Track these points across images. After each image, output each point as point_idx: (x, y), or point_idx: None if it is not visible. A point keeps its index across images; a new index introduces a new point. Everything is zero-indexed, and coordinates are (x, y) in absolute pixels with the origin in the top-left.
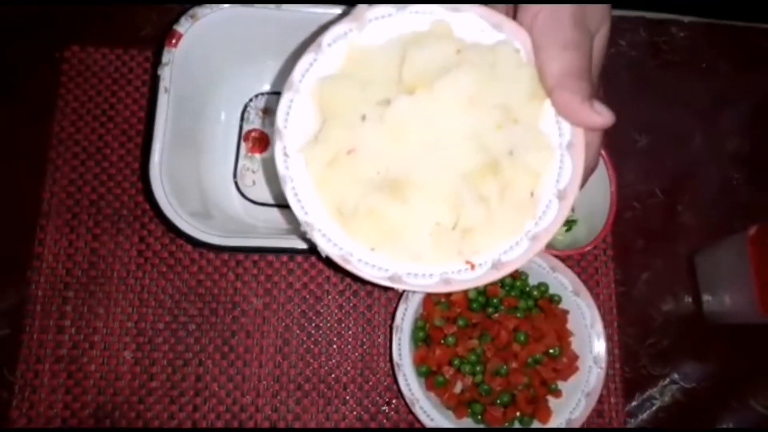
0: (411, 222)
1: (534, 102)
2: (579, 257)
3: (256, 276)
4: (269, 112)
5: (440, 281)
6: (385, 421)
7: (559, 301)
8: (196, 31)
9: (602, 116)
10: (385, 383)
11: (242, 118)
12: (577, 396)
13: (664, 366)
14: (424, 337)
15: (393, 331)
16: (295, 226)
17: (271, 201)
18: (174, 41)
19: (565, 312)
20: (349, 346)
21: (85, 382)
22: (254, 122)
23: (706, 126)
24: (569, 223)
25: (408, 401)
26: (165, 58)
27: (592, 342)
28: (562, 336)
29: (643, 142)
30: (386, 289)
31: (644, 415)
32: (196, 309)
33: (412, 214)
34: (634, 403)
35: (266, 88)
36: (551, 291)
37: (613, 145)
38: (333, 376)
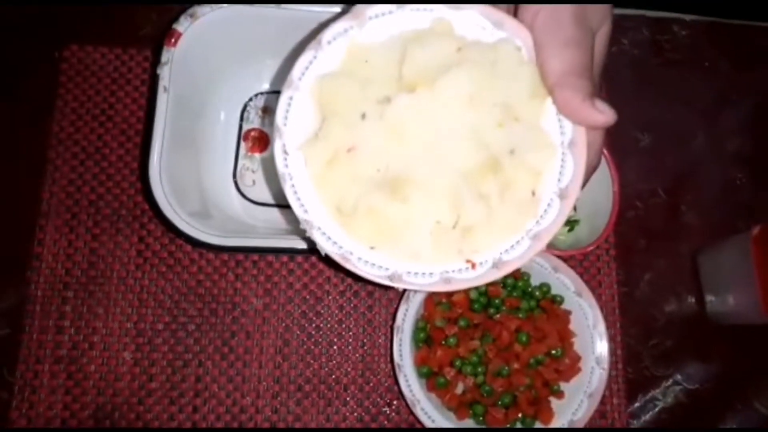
0: (411, 220)
1: (535, 100)
2: (581, 257)
3: (255, 276)
4: (269, 111)
5: (440, 280)
6: (386, 422)
7: (561, 301)
8: (195, 30)
9: (604, 114)
10: (386, 384)
11: (242, 118)
12: (579, 397)
13: (667, 367)
14: (426, 337)
15: (394, 331)
16: (295, 226)
17: (270, 201)
18: (173, 40)
19: (568, 312)
20: (350, 347)
21: (84, 383)
22: (254, 122)
23: (708, 125)
24: (571, 223)
25: (409, 402)
26: (164, 58)
27: (594, 343)
28: (564, 337)
29: (646, 141)
30: (387, 288)
31: (647, 417)
32: (195, 309)
33: (413, 212)
34: (636, 405)
35: (266, 87)
36: (553, 291)
37: (616, 144)
38: (333, 377)
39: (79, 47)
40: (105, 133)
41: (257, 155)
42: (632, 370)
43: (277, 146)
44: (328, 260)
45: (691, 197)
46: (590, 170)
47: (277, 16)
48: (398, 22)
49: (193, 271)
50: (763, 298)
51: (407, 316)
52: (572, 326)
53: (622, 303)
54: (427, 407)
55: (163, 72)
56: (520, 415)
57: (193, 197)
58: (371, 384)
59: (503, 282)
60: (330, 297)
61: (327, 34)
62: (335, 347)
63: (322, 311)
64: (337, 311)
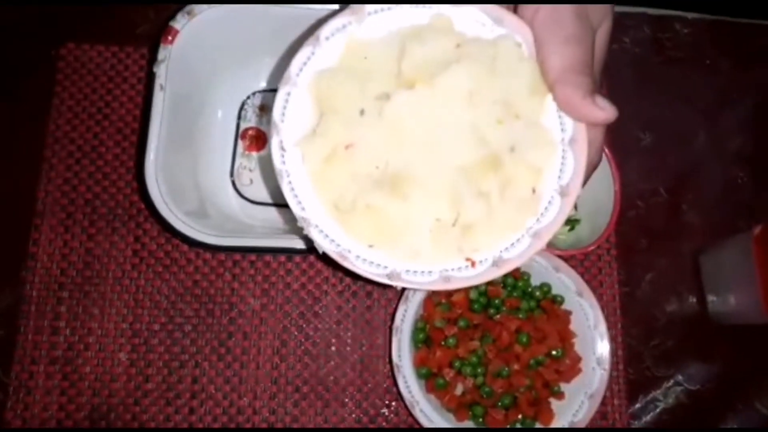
0: (410, 218)
1: (536, 97)
2: (582, 257)
3: (253, 276)
4: (266, 109)
5: (440, 279)
6: (384, 423)
7: (562, 301)
8: (192, 27)
9: (605, 111)
10: (385, 385)
11: (239, 116)
12: (579, 398)
13: (668, 367)
14: (425, 338)
15: (393, 332)
16: (293, 225)
17: (268, 200)
18: (170, 38)
19: (568, 313)
20: (348, 348)
21: (80, 384)
22: (251, 120)
23: (709, 124)
24: (572, 223)
25: (408, 403)
26: (161, 55)
27: (595, 343)
28: (565, 337)
29: (647, 140)
30: (385, 287)
31: (648, 417)
32: (192, 310)
33: (412, 210)
34: (637, 405)
35: (263, 85)
36: (554, 291)
37: (617, 143)
38: (332, 378)
39: (75, 45)
40: (101, 132)
41: (254, 154)
42: (633, 370)
43: (274, 142)
44: (326, 259)
45: (692, 196)
46: (591, 168)
47: (275, 14)
48: (397, 18)
49: (189, 271)
50: (765, 297)
51: (406, 317)
52: (573, 326)
53: (623, 303)
54: (426, 408)
55: (160, 70)
56: (520, 416)
57: (189, 196)
58: (370, 385)
59: (503, 282)
60: (328, 297)
61: (325, 30)
62: (333, 348)
63: (320, 312)
64: (335, 312)
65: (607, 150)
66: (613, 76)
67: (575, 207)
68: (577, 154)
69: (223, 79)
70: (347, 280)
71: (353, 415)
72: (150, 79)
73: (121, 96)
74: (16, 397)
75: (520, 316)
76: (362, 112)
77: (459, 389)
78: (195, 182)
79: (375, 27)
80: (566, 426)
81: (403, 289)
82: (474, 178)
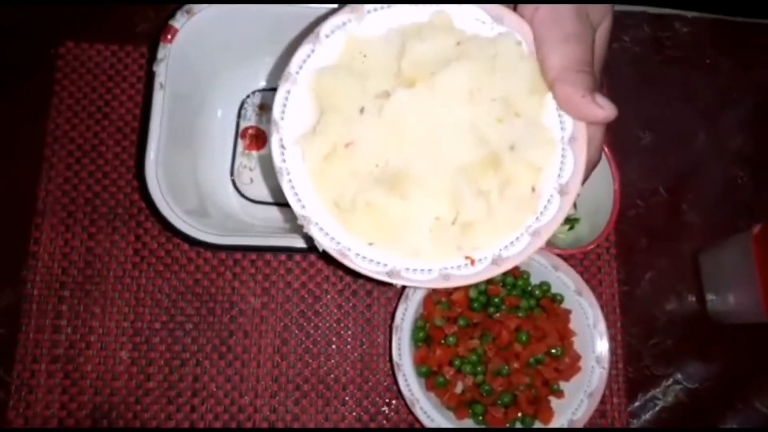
0: (410, 217)
1: (535, 95)
2: (582, 256)
3: (253, 275)
4: (266, 108)
5: (439, 277)
6: (384, 421)
7: (562, 300)
8: (191, 26)
9: (604, 110)
10: (385, 384)
11: (239, 115)
12: (579, 396)
13: (668, 366)
14: (425, 337)
15: (393, 331)
16: (294, 224)
17: (268, 199)
18: (169, 37)
19: (568, 311)
20: (349, 346)
21: (81, 382)
22: (251, 119)
23: (709, 123)
24: (572, 222)
25: (408, 402)
26: (160, 54)
27: (594, 342)
28: (565, 336)
29: (647, 139)
30: (385, 285)
31: (647, 416)
32: (193, 308)
33: (411, 208)
34: (636, 404)
35: (263, 84)
36: (553, 290)
37: (617, 142)
38: (332, 376)
39: (75, 44)
40: (101, 131)
41: (254, 153)
42: (632, 369)
43: (274, 140)
44: (326, 256)
45: (692, 196)
46: (590, 166)
47: (274, 12)
48: (397, 16)
49: (190, 270)
50: (764, 297)
51: (406, 315)
52: (572, 325)
53: (623, 302)
54: (426, 407)
55: (160, 69)
56: (519, 414)
57: (190, 195)
58: (370, 383)
59: (503, 281)
60: (328, 296)
61: (325, 28)
62: (334, 346)
63: (321, 310)
64: (335, 310)
65: (606, 149)
66: (613, 75)
67: (575, 206)
68: (577, 152)
69: (223, 78)
70: (347, 278)
71: (354, 413)
72: (150, 78)
73: (120, 95)
74: (18, 396)
75: (520, 314)
76: (362, 110)
77: (459, 387)
78: (195, 181)
79: (375, 25)
80: (565, 424)
81: (403, 288)
82: (474, 177)
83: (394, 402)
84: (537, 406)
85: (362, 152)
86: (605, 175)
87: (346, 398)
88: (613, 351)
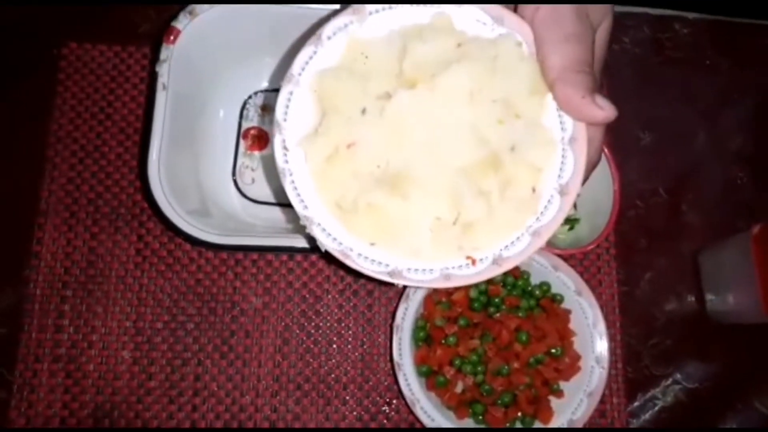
0: (411, 217)
1: (535, 96)
2: (581, 256)
3: (255, 275)
4: (268, 109)
5: (440, 276)
6: (385, 421)
7: (561, 300)
8: (194, 27)
9: (604, 110)
10: (386, 383)
11: (241, 116)
12: (579, 396)
13: (667, 366)
14: (425, 336)
15: (393, 330)
16: (295, 224)
17: (270, 199)
18: (172, 38)
19: (567, 311)
20: (349, 346)
21: (83, 382)
22: (253, 120)
23: (709, 124)
24: (572, 222)
25: (408, 401)
26: (163, 55)
27: (594, 342)
28: (564, 336)
29: (647, 140)
30: (386, 285)
31: (647, 416)
32: (194, 308)
33: (413, 209)
34: (636, 404)
35: (265, 85)
36: (553, 290)
37: (617, 143)
38: (333, 376)
39: (77, 45)
40: (104, 132)
41: (256, 153)
42: (632, 369)
43: (277, 142)
44: (328, 256)
45: (691, 196)
46: (590, 166)
47: (277, 13)
48: (398, 17)
49: (192, 270)
50: (764, 297)
51: (407, 315)
52: (572, 325)
53: (623, 302)
54: (426, 406)
55: (162, 69)
56: (519, 414)
57: (192, 195)
58: (370, 383)
59: (503, 281)
60: (329, 296)
61: (327, 30)
62: (334, 346)
63: (322, 310)
64: (336, 310)
65: (606, 150)
66: (613, 76)
67: (575, 206)
68: (577, 153)
69: (225, 78)
70: (348, 278)
71: (354, 413)
72: (152, 78)
73: (123, 95)
74: (20, 395)
75: (520, 314)
76: (364, 112)
77: (459, 387)
78: (197, 181)
79: (376, 26)
80: (565, 424)
81: (404, 288)
82: (474, 177)
83: (394, 401)
84: (537, 406)
85: (364, 153)
86: (605, 175)
87: (347, 398)
88: (612, 351)
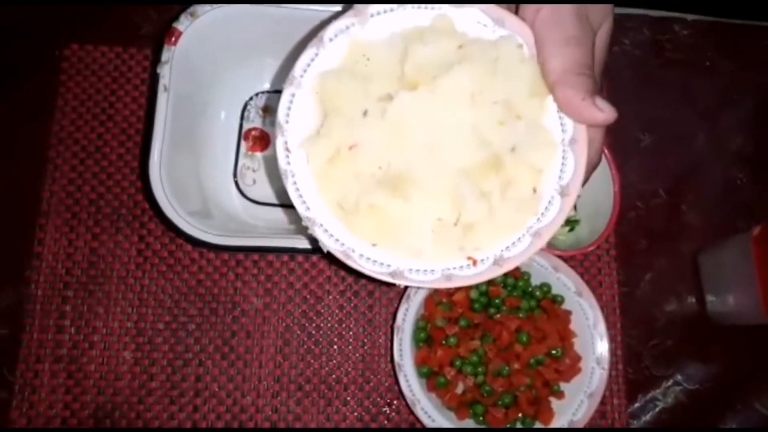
0: (412, 218)
1: (536, 98)
2: (582, 257)
3: (256, 276)
4: (269, 110)
5: (442, 277)
6: (386, 422)
7: (562, 301)
8: (195, 29)
9: (604, 112)
10: (386, 384)
11: (242, 117)
12: (579, 397)
13: (668, 367)
14: (426, 337)
15: (394, 331)
16: (297, 225)
17: (271, 200)
18: (173, 39)
19: (568, 312)
20: (350, 347)
21: (84, 382)
22: (254, 121)
23: (709, 125)
24: (572, 223)
25: (409, 402)
26: (164, 57)
27: (594, 343)
28: (565, 337)
29: (647, 141)
30: (388, 285)
31: (647, 417)
32: (195, 309)
33: (414, 210)
34: (636, 405)
35: (266, 86)
36: (554, 291)
37: (617, 144)
38: (334, 376)
39: (79, 46)
40: (105, 132)
41: (258, 154)
42: (632, 370)
43: (279, 143)
44: (330, 257)
45: (692, 197)
46: (591, 168)
47: (278, 15)
48: (400, 20)
49: (193, 271)
50: (764, 298)
51: (408, 316)
52: (573, 326)
53: (623, 303)
54: (427, 407)
55: (164, 71)
56: (520, 415)
57: (193, 196)
58: (371, 384)
59: (503, 282)
60: (330, 296)
61: (329, 32)
62: (335, 347)
63: (323, 311)
64: (337, 311)
65: (606, 151)
66: (613, 78)
67: (575, 208)
68: (577, 154)
69: (226, 79)
70: (349, 279)
71: (355, 413)
72: (153, 80)
73: (124, 97)
74: (21, 396)
75: (521, 315)
76: (365, 113)
77: (460, 388)
78: (198, 182)
79: (378, 28)
80: (566, 425)
81: (405, 289)
82: (475, 179)
83: (395, 402)
84: (537, 407)
85: (365, 154)
86: (605, 177)
87: (348, 398)
88: (613, 352)
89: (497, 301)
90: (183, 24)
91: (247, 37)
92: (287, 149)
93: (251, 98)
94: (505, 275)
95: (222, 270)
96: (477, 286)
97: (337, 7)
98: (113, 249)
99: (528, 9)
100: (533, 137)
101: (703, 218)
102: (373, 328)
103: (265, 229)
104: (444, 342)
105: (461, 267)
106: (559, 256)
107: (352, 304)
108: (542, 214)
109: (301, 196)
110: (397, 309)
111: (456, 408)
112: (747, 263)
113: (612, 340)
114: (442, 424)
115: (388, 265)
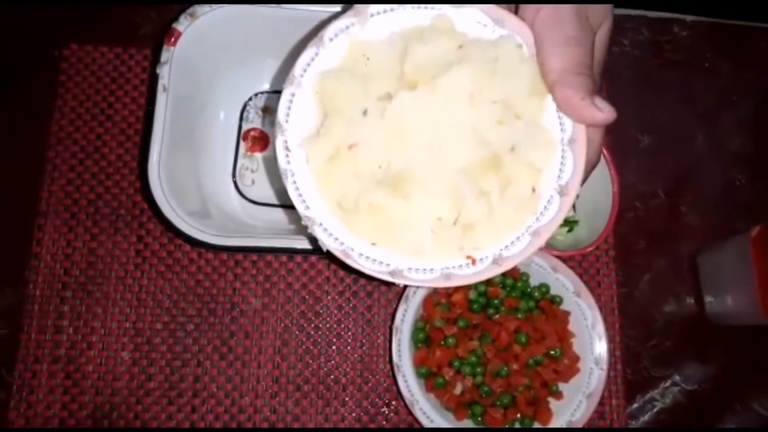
0: (412, 217)
1: (536, 97)
2: (580, 258)
3: (254, 276)
4: (269, 110)
5: (441, 276)
6: (384, 422)
7: (561, 302)
8: (195, 29)
9: (603, 112)
10: (385, 384)
11: (241, 117)
12: (578, 397)
13: (666, 367)
14: (424, 338)
15: (393, 332)
16: (296, 225)
17: (270, 200)
18: (173, 40)
19: (567, 313)
20: (349, 347)
21: (82, 383)
22: (254, 121)
23: (708, 126)
24: (571, 224)
25: (408, 403)
26: (164, 57)
27: (593, 343)
28: (563, 337)
29: (646, 141)
30: (386, 286)
31: (646, 417)
32: (194, 309)
33: (413, 209)
34: (635, 405)
35: (266, 87)
36: (552, 292)
37: (616, 144)
38: (332, 377)
39: (78, 47)
40: (104, 133)
41: (257, 155)
42: (631, 370)
43: (279, 143)
44: (330, 257)
45: (691, 198)
46: (590, 167)
47: (277, 15)
48: (400, 19)
49: (191, 271)
50: (762, 298)
51: (406, 317)
52: (571, 327)
53: (622, 304)
54: (425, 407)
55: (163, 71)
56: (518, 415)
57: (192, 197)
58: (370, 384)
59: (502, 282)
60: (329, 297)
61: (329, 31)
62: (334, 347)
63: (321, 311)
64: (336, 311)
65: (605, 151)
66: (612, 79)
67: (573, 208)
68: (577, 153)
69: (226, 80)
70: (348, 280)
71: (353, 414)
72: (153, 80)
73: (123, 97)
74: (20, 396)
75: (519, 316)
76: (365, 113)
77: (458, 388)
78: (197, 183)
79: (378, 28)
80: (564, 425)
81: (403, 289)
82: (475, 178)
83: (393, 403)
84: (536, 407)
85: (365, 154)
86: (604, 177)
87: (346, 399)
88: (611, 352)
89: (496, 301)
90: (182, 24)
91: (247, 37)
92: (287, 148)
93: (250, 98)
94: (504, 275)
95: (220, 270)
96: (476, 287)
97: (337, 7)
98: (112, 249)
99: (528, 9)
100: (532, 137)
101: (702, 219)
102: (371, 328)
103: (264, 229)
104: (443, 342)
105: (460, 266)
106: (558, 257)
107: (350, 305)
108: (541, 213)
109: (300, 195)
110: (395, 309)
111: (454, 408)
112: (746, 264)
113: (611, 340)
114: (441, 424)
115: (388, 264)
